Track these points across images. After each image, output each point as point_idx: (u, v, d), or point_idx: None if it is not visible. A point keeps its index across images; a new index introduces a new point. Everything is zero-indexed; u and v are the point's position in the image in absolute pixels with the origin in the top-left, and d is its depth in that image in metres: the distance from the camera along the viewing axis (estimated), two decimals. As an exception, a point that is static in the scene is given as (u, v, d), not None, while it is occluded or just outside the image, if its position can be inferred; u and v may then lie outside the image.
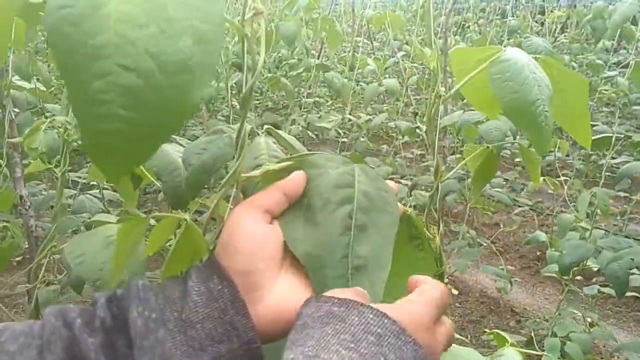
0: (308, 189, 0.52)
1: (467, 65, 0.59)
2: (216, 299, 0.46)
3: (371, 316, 0.40)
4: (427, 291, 0.46)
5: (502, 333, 0.82)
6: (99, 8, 0.35)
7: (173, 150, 0.97)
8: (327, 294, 0.44)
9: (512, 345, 0.66)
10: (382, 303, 0.44)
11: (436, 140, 0.58)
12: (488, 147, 0.72)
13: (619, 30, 3.07)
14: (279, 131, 0.86)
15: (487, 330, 0.89)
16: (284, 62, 3.35)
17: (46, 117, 1.22)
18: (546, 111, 0.56)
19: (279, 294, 0.48)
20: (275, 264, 0.49)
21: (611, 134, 2.31)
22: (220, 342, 0.45)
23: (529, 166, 0.82)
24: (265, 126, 0.89)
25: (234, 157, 0.86)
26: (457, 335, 0.80)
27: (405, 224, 0.59)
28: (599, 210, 2.00)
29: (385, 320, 0.40)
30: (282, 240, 0.50)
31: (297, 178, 0.53)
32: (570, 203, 2.44)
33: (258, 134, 0.92)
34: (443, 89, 0.57)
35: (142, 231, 0.55)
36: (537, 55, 0.60)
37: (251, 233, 0.49)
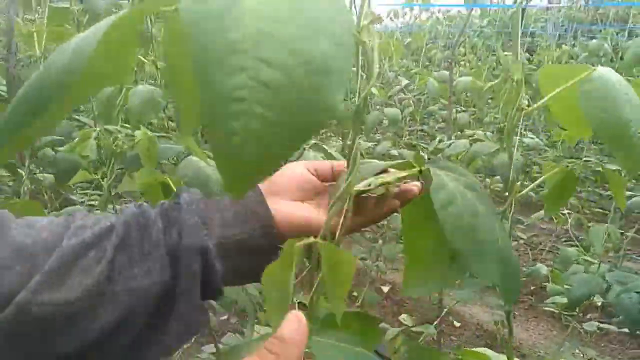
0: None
1: (555, 83, 0.59)
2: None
3: None
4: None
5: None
6: (237, 3, 0.35)
7: (204, 164, 0.99)
8: None
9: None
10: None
11: (514, 155, 0.57)
12: (567, 167, 0.72)
13: None
14: (324, 146, 0.86)
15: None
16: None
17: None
18: (638, 132, 0.56)
19: (292, 205, 0.60)
20: (299, 195, 0.61)
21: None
22: (245, 222, 0.58)
23: (614, 190, 0.83)
24: (312, 142, 0.90)
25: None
26: None
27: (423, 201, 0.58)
28: (598, 246, 2.00)
29: None
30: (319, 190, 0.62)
31: None
32: (561, 239, 2.44)
33: (304, 149, 0.93)
34: (526, 102, 0.57)
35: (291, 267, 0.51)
36: (630, 78, 0.60)
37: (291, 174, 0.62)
